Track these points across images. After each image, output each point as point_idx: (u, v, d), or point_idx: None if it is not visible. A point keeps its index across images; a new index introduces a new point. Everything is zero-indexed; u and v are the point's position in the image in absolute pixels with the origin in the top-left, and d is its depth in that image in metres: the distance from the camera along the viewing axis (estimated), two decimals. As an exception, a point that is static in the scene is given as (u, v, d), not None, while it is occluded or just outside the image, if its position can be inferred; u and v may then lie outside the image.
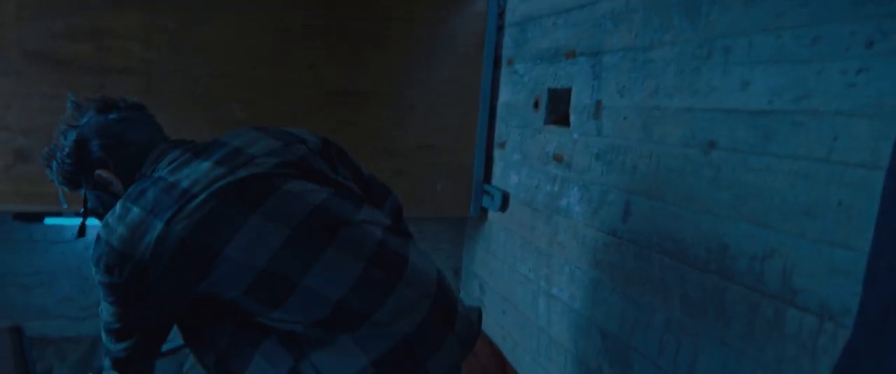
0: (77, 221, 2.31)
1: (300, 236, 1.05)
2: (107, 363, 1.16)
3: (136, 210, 1.04)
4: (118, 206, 1.07)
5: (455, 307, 1.19)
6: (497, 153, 2.47)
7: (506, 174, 2.38)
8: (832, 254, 1.04)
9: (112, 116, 1.21)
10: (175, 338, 1.20)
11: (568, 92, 1.93)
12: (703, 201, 1.34)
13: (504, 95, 2.45)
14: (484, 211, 2.54)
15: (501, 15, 2.44)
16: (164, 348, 1.22)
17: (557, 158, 1.97)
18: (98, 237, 1.06)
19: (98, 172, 1.19)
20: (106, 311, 1.10)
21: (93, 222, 1.28)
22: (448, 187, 2.45)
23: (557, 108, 2.05)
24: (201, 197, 1.03)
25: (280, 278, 1.03)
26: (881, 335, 0.88)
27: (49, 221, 2.23)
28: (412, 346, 1.05)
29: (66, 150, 1.19)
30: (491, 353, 2.31)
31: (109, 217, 1.06)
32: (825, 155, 1.07)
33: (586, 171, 1.80)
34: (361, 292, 1.04)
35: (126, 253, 1.01)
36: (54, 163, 1.21)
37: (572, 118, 1.89)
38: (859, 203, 1.00)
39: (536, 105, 2.13)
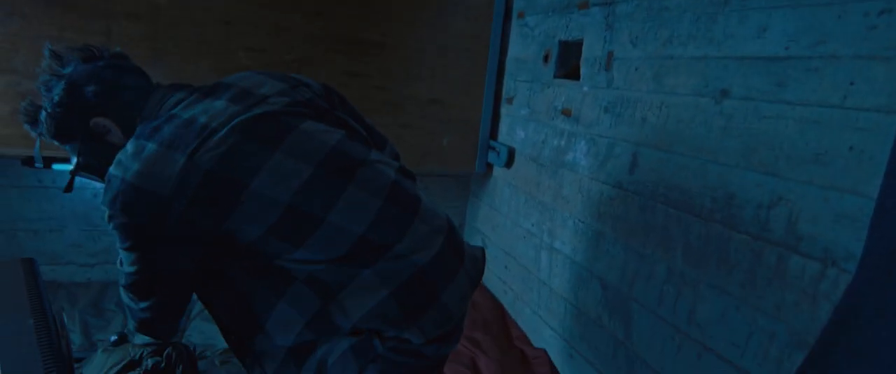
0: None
1: (323, 174, 1.04)
2: (132, 325, 1.13)
3: (151, 146, 0.99)
4: (130, 145, 1.02)
5: (463, 245, 1.20)
6: (504, 109, 2.45)
7: (512, 130, 2.36)
8: (839, 200, 1.04)
9: (100, 63, 1.13)
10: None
11: (579, 44, 1.89)
12: (712, 151, 1.33)
13: (513, 50, 2.41)
14: (489, 167, 2.53)
15: (513, -34, 2.38)
16: None
17: (566, 113, 1.95)
18: (110, 178, 1.00)
19: (95, 119, 1.10)
20: (126, 259, 1.04)
21: (82, 180, 1.23)
22: (454, 143, 2.44)
23: (567, 61, 2.02)
24: (223, 131, 1.00)
25: (305, 214, 1.01)
26: (886, 276, 0.88)
27: (57, 166, 2.24)
28: (427, 277, 1.06)
29: (56, 98, 1.09)
30: (492, 305, 2.34)
31: (121, 156, 1.00)
32: (839, 101, 1.05)
33: (594, 124, 1.78)
34: (381, 226, 1.04)
35: (145, 189, 0.96)
36: (43, 114, 1.11)
37: (582, 71, 1.86)
38: (871, 148, 0.99)
39: (546, 59, 2.10)
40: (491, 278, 2.55)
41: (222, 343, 2.07)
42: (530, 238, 2.19)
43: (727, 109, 1.29)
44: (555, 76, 2.04)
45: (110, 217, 1.00)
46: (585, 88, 1.84)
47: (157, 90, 1.14)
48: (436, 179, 2.81)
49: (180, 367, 1.76)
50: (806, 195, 1.10)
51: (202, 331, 2.16)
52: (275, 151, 1.02)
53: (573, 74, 1.94)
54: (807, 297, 1.09)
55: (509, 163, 2.36)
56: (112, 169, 1.00)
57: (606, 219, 1.71)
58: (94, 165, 1.15)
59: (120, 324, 2.17)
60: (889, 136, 0.95)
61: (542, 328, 2.07)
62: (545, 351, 2.01)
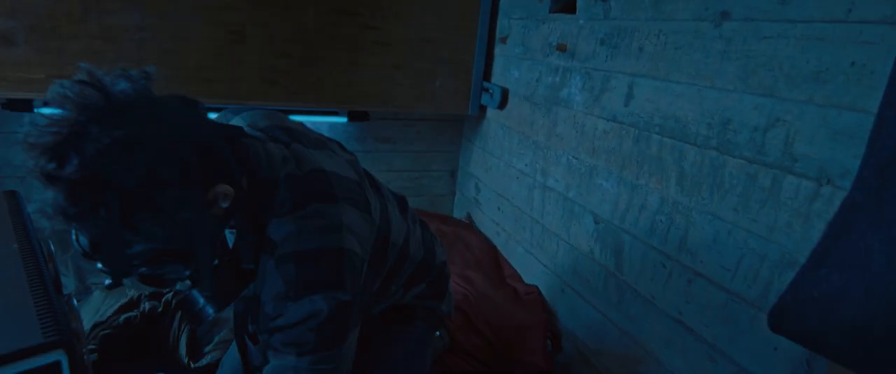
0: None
1: (407, 221, 1.17)
2: None
3: (348, 208, 0.88)
4: (307, 216, 0.84)
5: None
6: (498, 49, 2.39)
7: (506, 70, 2.31)
8: (837, 118, 1.02)
9: (174, 103, 0.77)
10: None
11: (575, -25, 1.82)
12: (709, 77, 1.30)
13: (507, -14, 2.33)
14: (482, 109, 2.50)
15: None
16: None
17: (561, 48, 1.90)
18: (305, 257, 0.82)
19: (221, 187, 0.78)
20: (329, 357, 0.86)
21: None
22: (447, 84, 2.39)
23: (563, -6, 1.96)
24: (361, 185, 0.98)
25: (408, 255, 1.14)
26: (881, 188, 0.88)
27: (39, 110, 2.19)
28: (445, 270, 1.33)
29: (187, 161, 0.72)
30: (484, 246, 2.36)
31: (310, 222, 0.84)
32: (843, 15, 1.02)
33: (590, 58, 1.74)
34: (428, 248, 1.23)
35: (364, 257, 0.89)
36: (162, 190, 0.71)
37: (579, 3, 1.80)
38: (873, 62, 0.97)
39: (541, -7, 2.03)
40: (484, 221, 2.56)
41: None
42: (523, 178, 2.18)
43: (727, 32, 1.25)
44: (550, 11, 1.98)
45: (308, 316, 0.81)
46: (581, 21, 1.79)
47: (242, 139, 0.87)
48: (429, 123, 2.77)
49: (180, 313, 1.76)
50: (804, 115, 1.08)
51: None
52: (388, 203, 1.09)
53: (569, 8, 1.88)
54: (800, 217, 1.09)
55: (502, 104, 2.32)
56: (298, 245, 0.83)
57: (600, 153, 1.70)
58: (194, 257, 0.81)
59: (113, 267, 2.17)
60: (894, 47, 0.92)
61: (535, 266, 2.09)
62: (537, 287, 2.04)
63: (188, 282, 0.84)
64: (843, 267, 0.92)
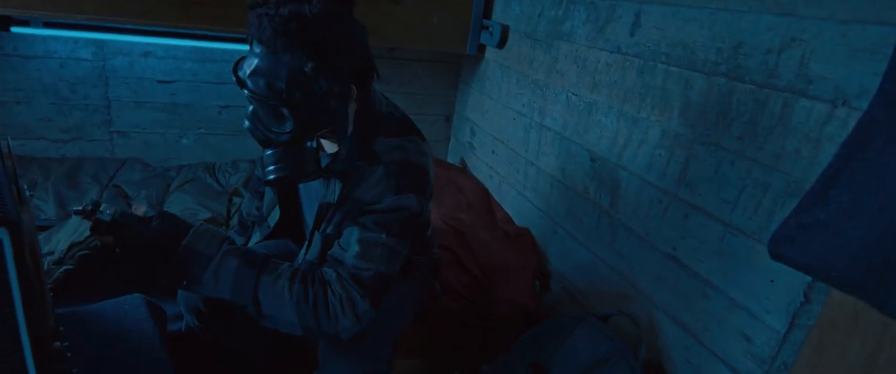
0: (46, 32, 2.16)
1: None
2: (346, 332, 1.02)
3: (420, 142, 1.11)
4: (411, 141, 1.08)
5: None
6: (500, -16, 2.28)
7: (507, 6, 2.20)
8: (861, 33, 0.95)
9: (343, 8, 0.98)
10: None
11: None
12: (723, -3, 1.21)
13: (512, -85, 2.19)
14: (481, 49, 2.40)
15: None
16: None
17: (565, -22, 1.80)
18: (409, 164, 1.05)
19: (356, 92, 1.05)
20: (385, 256, 1.03)
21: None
22: (445, 20, 2.28)
23: (571, -81, 1.83)
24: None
25: (429, 221, 1.30)
26: (900, 100, 0.81)
27: (16, 29, 2.08)
28: (438, 261, 1.43)
29: (359, 55, 1.01)
30: (477, 189, 2.31)
31: (406, 144, 1.07)
32: (875, -81, 0.93)
33: (596, -14, 1.64)
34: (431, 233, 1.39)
35: (431, 178, 1.11)
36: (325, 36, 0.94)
37: (586, -72, 1.69)
38: (904, -31, 0.88)
39: (548, -81, 1.91)
40: (478, 165, 2.50)
41: (204, 215, 2.03)
42: (520, 119, 2.10)
43: (745, -53, 1.16)
44: (556, -61, 1.87)
45: (401, 207, 1.03)
46: (589, -53, 1.68)
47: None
48: (425, 64, 2.67)
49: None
50: (822, 33, 1.01)
51: (181, 202, 2.11)
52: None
53: (576, -66, 1.77)
54: (809, 142, 1.03)
55: (502, 43, 2.22)
56: (409, 155, 1.06)
57: (601, 88, 1.62)
58: (311, 125, 1.02)
59: (95, 194, 2.12)
60: (928, -51, 0.84)
61: (527, 208, 2.04)
62: (528, 230, 1.99)
63: (282, 137, 1.00)
64: (855, 188, 0.86)
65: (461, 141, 2.71)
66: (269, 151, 1.02)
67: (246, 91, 0.96)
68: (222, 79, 2.46)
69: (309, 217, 1.30)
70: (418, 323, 1.55)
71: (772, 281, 1.09)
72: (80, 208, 1.00)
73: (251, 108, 1.02)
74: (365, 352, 1.11)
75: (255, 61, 0.94)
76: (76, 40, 2.24)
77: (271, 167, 1.02)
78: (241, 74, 0.97)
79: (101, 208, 0.98)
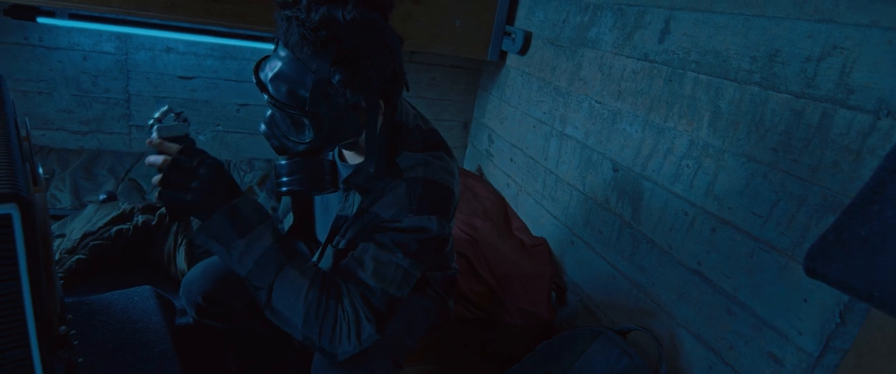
0: (72, 23, 2.18)
1: None
2: (347, 352, 0.95)
3: (449, 160, 1.06)
4: (431, 153, 1.03)
5: None
6: (524, -9, 2.26)
7: (531, 12, 2.18)
8: (907, 42, 0.90)
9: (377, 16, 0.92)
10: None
11: None
12: (759, 4, 1.17)
13: (539, -78, 2.18)
14: (502, 55, 2.37)
15: None
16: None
17: (592, -15, 1.77)
18: (432, 183, 0.99)
19: (383, 106, 0.98)
20: (399, 278, 0.97)
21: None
22: (467, 25, 2.27)
23: (600, -74, 1.81)
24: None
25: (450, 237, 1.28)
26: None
27: (41, 20, 2.10)
28: (455, 274, 1.39)
29: (388, 68, 0.94)
30: (493, 197, 2.27)
31: (432, 160, 1.02)
32: (927, -76, 0.89)
33: (624, -7, 1.61)
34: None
35: (455, 200, 1.05)
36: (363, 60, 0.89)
37: (616, -66, 1.67)
38: (959, -25, 0.84)
39: (576, -74, 1.89)
40: (494, 173, 2.47)
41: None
42: (540, 127, 2.07)
43: (784, -47, 1.13)
44: (584, -55, 1.84)
45: (420, 229, 0.97)
46: (618, -46, 1.65)
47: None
48: (445, 69, 2.65)
49: (174, 226, 1.70)
50: (866, 40, 0.97)
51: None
52: None
53: (605, -59, 1.75)
54: (849, 154, 0.98)
55: (524, 49, 2.19)
56: (435, 175, 1.01)
57: (626, 96, 1.58)
58: (331, 138, 0.96)
59: (111, 187, 2.12)
60: None
61: (544, 218, 2.00)
62: (545, 240, 1.95)
63: (300, 147, 0.96)
64: (901, 201, 0.81)
65: (479, 148, 2.68)
66: (283, 161, 0.97)
67: (265, 96, 0.90)
68: (242, 77, 2.47)
69: (322, 228, 1.25)
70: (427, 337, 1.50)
71: (805, 300, 1.04)
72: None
73: (269, 112, 0.98)
74: (364, 370, 1.03)
75: (279, 65, 0.88)
76: (100, 33, 2.26)
77: (285, 179, 0.96)
78: (262, 76, 0.91)
79: (167, 115, 0.91)
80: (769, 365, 1.10)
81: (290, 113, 0.91)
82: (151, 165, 0.90)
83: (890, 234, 0.82)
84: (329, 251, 1.12)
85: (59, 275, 1.49)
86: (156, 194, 0.91)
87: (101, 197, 1.92)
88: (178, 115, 0.92)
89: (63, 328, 0.75)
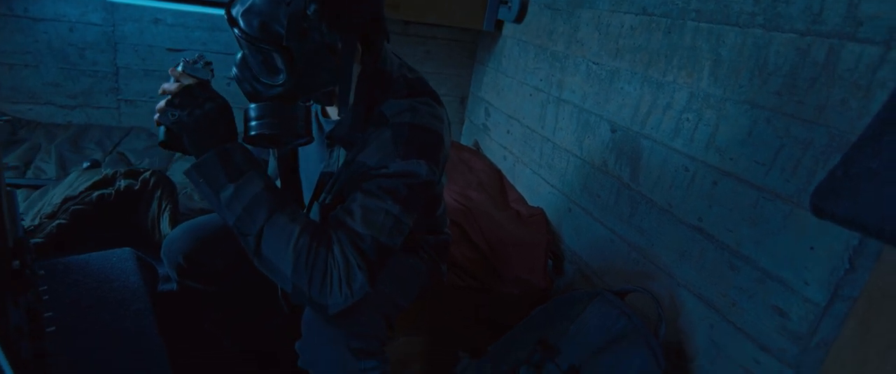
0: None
1: None
2: (338, 305, 0.90)
3: (437, 107, 1.01)
4: (419, 100, 0.97)
5: None
6: (520, -42, 2.20)
7: (527, -21, 2.12)
8: (921, -35, 0.85)
9: None
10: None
11: None
12: (762, -57, 1.12)
13: None
14: (498, 25, 2.32)
15: None
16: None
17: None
18: (419, 128, 0.94)
19: (362, 51, 0.96)
20: (390, 226, 0.92)
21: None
22: (462, -7, 2.21)
23: None
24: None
25: (440, 197, 1.25)
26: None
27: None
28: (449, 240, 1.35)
29: (371, 9, 0.92)
30: (489, 170, 2.22)
31: (420, 107, 0.96)
32: None
33: (621, -52, 1.55)
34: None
35: (446, 146, 1.01)
36: None
37: None
38: None
39: None
40: (491, 146, 2.41)
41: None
42: (537, 95, 2.01)
43: None
44: None
45: (409, 173, 0.93)
46: None
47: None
48: (440, 42, 2.60)
49: (158, 192, 1.65)
50: (877, -31, 0.91)
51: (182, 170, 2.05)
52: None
53: None
54: (858, 90, 0.92)
55: (521, 16, 2.14)
56: (421, 118, 0.95)
57: (624, 53, 1.53)
58: (306, 81, 0.92)
59: (97, 157, 2.07)
60: None
61: (541, 187, 1.95)
62: (542, 209, 1.90)
63: (273, 91, 0.90)
64: (915, 128, 0.76)
65: (475, 123, 2.63)
66: (253, 105, 0.91)
67: (236, 31, 0.86)
68: (231, 49, 2.41)
69: (307, 190, 1.20)
70: (419, 303, 1.46)
71: (811, 248, 0.99)
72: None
73: (240, 54, 0.93)
74: (355, 327, 0.97)
75: None
76: (87, 2, 2.21)
77: (254, 122, 0.90)
78: (233, 11, 0.88)
79: (198, 60, 0.92)
80: (773, 319, 1.05)
81: (263, 50, 0.86)
82: (164, 91, 0.90)
83: (903, 163, 0.77)
84: (316, 209, 1.07)
85: (39, 240, 1.44)
86: (157, 116, 0.90)
87: (85, 165, 1.87)
88: (208, 63, 0.93)
89: (17, 262, 0.70)
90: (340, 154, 1.01)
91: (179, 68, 0.90)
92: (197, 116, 0.87)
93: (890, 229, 0.80)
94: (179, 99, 0.88)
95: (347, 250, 0.88)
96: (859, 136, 0.84)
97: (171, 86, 0.90)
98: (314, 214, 1.08)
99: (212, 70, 0.93)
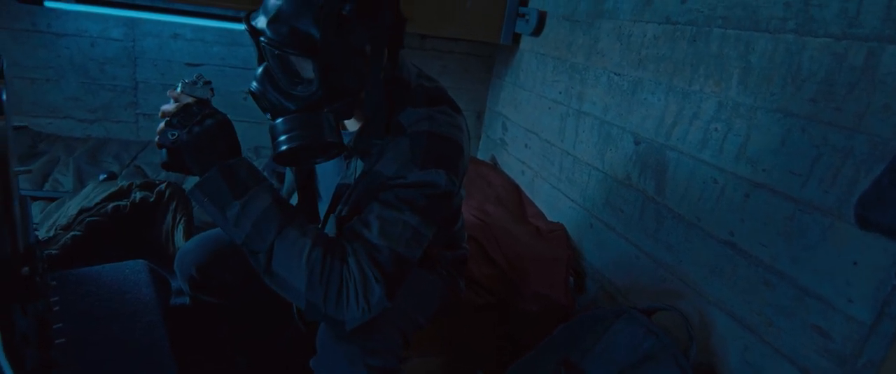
0: (78, 8, 2.15)
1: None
2: (354, 320, 0.87)
3: (458, 116, 0.99)
4: (437, 110, 0.95)
5: None
6: (537, -28, 2.19)
7: (545, -7, 2.11)
8: (969, -37, 0.81)
9: None
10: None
11: None
12: (793, -53, 1.08)
13: None
14: (516, 39, 2.30)
15: None
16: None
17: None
18: (438, 137, 0.92)
19: (366, 46, 0.88)
20: (408, 237, 0.89)
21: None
22: (479, 6, 2.20)
23: None
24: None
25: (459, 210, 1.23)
26: None
27: (49, 3, 2.08)
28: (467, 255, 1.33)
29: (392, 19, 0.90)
30: (507, 185, 2.18)
31: (439, 116, 0.94)
32: None
33: (643, -42, 1.53)
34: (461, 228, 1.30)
35: (466, 157, 0.99)
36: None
37: None
38: None
39: None
40: (509, 161, 2.38)
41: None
42: (556, 108, 1.98)
43: None
44: (600, -84, 1.77)
45: (427, 183, 0.90)
46: (636, -81, 1.57)
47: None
48: (457, 56, 2.59)
49: (173, 204, 1.64)
50: (919, -31, 0.87)
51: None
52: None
53: None
54: (903, 95, 0.88)
55: (538, 29, 2.12)
56: (441, 128, 0.94)
57: (647, 63, 1.49)
58: (336, 87, 0.89)
59: (115, 170, 2.07)
60: None
61: (561, 202, 1.90)
62: (562, 225, 1.85)
63: (300, 102, 0.88)
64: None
65: (492, 138, 2.60)
66: (280, 119, 0.88)
67: (263, 39, 0.83)
68: (249, 64, 2.43)
69: (325, 204, 1.16)
70: (436, 320, 1.41)
71: (855, 263, 0.93)
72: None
73: (262, 68, 0.90)
74: (371, 343, 0.94)
75: (277, 5, 0.82)
76: (107, 18, 2.24)
77: (284, 136, 0.86)
78: (256, 23, 0.85)
79: (198, 81, 0.92)
80: (814, 340, 0.99)
81: (290, 56, 0.84)
82: (164, 113, 0.89)
83: (960, 169, 0.72)
84: (332, 222, 1.04)
85: (54, 251, 1.43)
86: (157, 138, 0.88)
87: (102, 177, 1.87)
88: (207, 82, 0.93)
89: (26, 269, 0.68)
90: (358, 165, 0.99)
91: (178, 89, 0.90)
92: (196, 134, 0.85)
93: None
94: (177, 118, 0.87)
95: (364, 262, 0.85)
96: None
97: (169, 107, 0.88)
98: (330, 227, 1.05)
99: (211, 89, 0.93)
